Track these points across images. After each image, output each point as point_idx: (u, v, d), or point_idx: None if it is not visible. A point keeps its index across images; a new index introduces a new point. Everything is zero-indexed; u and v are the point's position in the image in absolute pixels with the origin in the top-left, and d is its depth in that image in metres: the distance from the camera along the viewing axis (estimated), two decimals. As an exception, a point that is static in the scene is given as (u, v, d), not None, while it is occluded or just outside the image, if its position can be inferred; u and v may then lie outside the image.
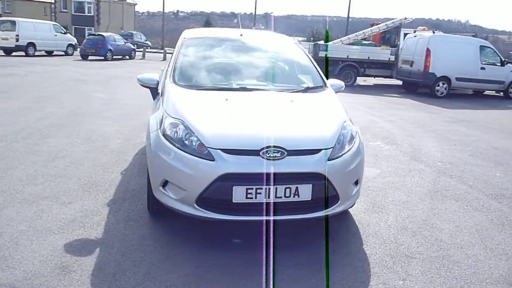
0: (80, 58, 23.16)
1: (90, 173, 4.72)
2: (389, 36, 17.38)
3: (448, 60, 13.48)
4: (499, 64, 14.16)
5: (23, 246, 3.10)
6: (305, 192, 3.13)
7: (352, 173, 3.40)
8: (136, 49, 27.72)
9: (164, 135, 3.32)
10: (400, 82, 16.03)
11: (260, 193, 3.06)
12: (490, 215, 4.19)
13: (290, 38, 5.11)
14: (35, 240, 3.21)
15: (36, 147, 5.57)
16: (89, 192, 4.18)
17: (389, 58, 15.91)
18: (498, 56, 14.32)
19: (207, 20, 64.67)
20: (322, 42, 16.72)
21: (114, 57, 24.18)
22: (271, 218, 3.14)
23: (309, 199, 3.16)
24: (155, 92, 4.23)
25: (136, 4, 58.54)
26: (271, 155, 3.08)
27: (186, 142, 3.19)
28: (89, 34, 26.03)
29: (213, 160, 3.06)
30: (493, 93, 15.70)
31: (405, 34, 16.05)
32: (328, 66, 15.15)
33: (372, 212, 4.09)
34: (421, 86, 14.32)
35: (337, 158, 3.26)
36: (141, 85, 4.31)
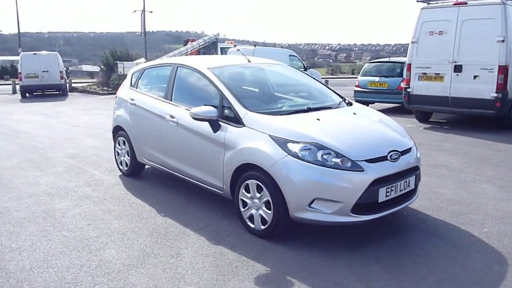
0: None
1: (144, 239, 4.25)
2: (205, 51, 18.66)
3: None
4: (303, 69, 17.16)
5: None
6: (412, 182, 3.95)
7: None
8: None
9: (300, 158, 3.56)
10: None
11: (393, 190, 3.72)
12: (455, 177, 5.79)
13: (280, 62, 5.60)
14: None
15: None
16: (184, 239, 3.88)
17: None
18: (302, 62, 17.38)
19: None
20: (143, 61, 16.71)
21: None
22: (398, 208, 3.84)
23: (413, 187, 3.99)
24: (215, 124, 4.16)
25: None
26: (394, 158, 3.77)
27: (326, 160, 3.55)
28: None
29: (362, 170, 3.54)
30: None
31: (222, 48, 17.62)
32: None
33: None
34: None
35: (417, 152, 4.18)
36: (197, 119, 4.18)
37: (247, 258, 3.51)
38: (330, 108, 4.58)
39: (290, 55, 16.86)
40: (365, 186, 3.52)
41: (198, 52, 18.63)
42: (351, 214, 3.54)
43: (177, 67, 5.05)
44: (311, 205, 3.55)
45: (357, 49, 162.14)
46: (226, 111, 4.21)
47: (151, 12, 35.67)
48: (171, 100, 4.94)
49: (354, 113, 4.44)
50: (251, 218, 3.95)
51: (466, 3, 9.04)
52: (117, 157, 6.05)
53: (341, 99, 4.87)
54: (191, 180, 4.69)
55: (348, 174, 3.51)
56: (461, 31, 9.03)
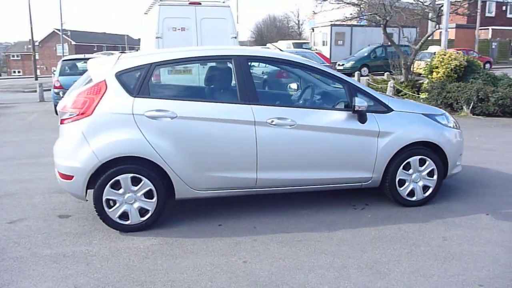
0: None
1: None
2: None
3: None
4: None
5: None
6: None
7: None
8: None
9: (448, 126, 4.50)
10: None
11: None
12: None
13: None
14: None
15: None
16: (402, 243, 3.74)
17: None
18: None
19: None
20: None
21: None
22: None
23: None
24: (365, 115, 4.04)
25: None
26: None
27: (448, 124, 4.61)
28: None
29: (459, 128, 4.85)
30: None
31: None
32: None
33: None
34: None
35: None
36: (361, 111, 3.96)
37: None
38: None
39: None
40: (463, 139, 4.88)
41: None
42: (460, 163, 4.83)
43: (247, 60, 3.99)
44: (457, 162, 4.55)
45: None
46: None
47: None
48: (257, 101, 3.94)
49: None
50: (410, 193, 4.34)
51: (200, 4, 10.26)
52: (109, 210, 3.72)
53: None
54: (313, 186, 4.17)
55: (460, 132, 4.74)
56: (201, 28, 10.22)
